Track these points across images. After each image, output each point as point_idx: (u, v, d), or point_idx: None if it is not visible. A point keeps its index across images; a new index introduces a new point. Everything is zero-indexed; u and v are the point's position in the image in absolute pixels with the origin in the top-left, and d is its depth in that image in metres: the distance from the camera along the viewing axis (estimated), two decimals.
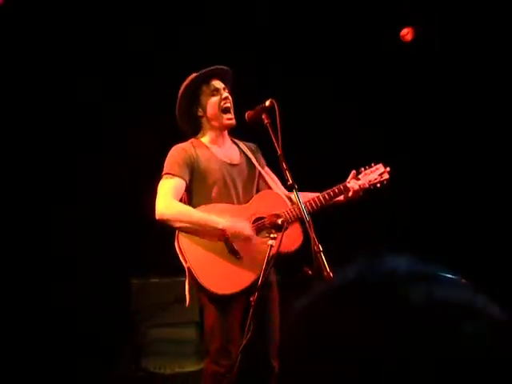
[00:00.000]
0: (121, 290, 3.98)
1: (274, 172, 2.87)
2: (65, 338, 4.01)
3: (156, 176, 2.70)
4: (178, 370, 3.86)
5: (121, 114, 4.19)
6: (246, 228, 2.56)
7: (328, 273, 1.99)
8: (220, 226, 2.50)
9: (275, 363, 2.62)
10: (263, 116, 2.41)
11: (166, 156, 2.69)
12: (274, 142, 2.32)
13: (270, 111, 2.38)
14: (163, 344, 3.94)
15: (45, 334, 3.99)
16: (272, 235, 2.31)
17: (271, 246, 2.27)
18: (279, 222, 2.26)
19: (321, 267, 1.98)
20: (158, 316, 3.94)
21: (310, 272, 2.22)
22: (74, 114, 4.22)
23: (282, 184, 2.75)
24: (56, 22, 4.00)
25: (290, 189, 2.20)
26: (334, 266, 1.96)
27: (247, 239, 2.54)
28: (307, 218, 2.13)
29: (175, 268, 3.83)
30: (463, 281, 0.56)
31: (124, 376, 3.99)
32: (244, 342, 2.29)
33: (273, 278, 2.72)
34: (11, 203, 4.08)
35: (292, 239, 2.53)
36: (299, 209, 2.33)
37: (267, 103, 2.39)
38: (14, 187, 4.10)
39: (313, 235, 2.05)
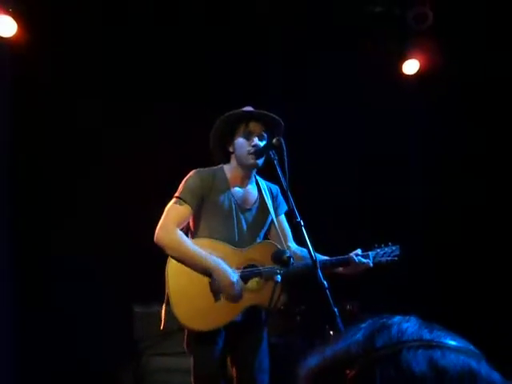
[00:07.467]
0: (124, 319, 3.97)
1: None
2: (67, 366, 3.99)
3: (162, 203, 2.72)
4: None
5: (122, 138, 4.22)
6: (232, 276, 2.57)
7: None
8: (211, 266, 2.55)
9: None
10: (270, 153, 2.43)
11: (172, 179, 2.73)
12: (280, 180, 2.34)
13: (277, 149, 2.41)
14: (166, 373, 3.91)
15: (47, 362, 3.97)
16: (278, 270, 2.34)
17: (276, 282, 2.29)
18: (285, 257, 2.27)
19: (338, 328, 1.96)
20: (160, 345, 3.92)
21: (331, 333, 2.20)
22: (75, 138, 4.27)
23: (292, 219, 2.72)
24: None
25: (296, 226, 2.20)
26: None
27: (229, 285, 2.56)
28: (318, 265, 2.12)
29: None
30: (470, 347, 0.58)
31: None
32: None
33: (262, 317, 2.75)
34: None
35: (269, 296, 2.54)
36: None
37: (274, 141, 2.41)
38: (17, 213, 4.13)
39: (329, 298, 2.02)
